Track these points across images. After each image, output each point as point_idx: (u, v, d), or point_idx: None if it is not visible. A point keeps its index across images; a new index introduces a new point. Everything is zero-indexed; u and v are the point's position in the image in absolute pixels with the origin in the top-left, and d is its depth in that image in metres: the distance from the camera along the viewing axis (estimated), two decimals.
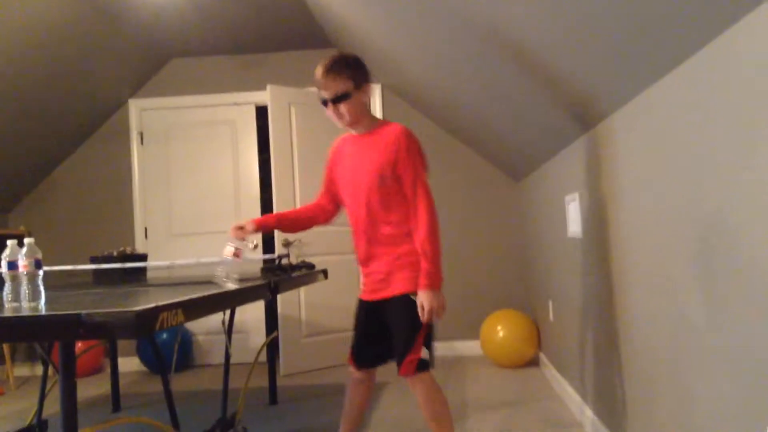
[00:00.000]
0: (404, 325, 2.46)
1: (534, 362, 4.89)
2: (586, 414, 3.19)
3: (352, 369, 2.67)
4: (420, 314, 2.41)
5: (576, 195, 3.15)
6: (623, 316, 2.48)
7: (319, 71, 2.48)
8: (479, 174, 5.49)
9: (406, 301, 2.45)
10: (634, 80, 2.02)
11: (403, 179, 2.47)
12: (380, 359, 2.61)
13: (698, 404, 1.79)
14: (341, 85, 2.45)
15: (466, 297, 5.45)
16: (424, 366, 2.44)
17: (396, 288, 2.48)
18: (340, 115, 2.50)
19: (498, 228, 5.48)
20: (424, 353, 2.44)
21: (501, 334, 4.72)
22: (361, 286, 2.65)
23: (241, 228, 2.67)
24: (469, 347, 5.39)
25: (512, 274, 5.45)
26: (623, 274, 2.44)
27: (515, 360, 4.74)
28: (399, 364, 2.46)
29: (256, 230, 2.68)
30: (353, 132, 2.60)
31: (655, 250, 2.06)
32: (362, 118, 2.55)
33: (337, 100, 2.46)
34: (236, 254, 2.62)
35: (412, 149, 2.47)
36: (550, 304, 4.16)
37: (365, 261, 2.59)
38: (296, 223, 2.79)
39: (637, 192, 2.20)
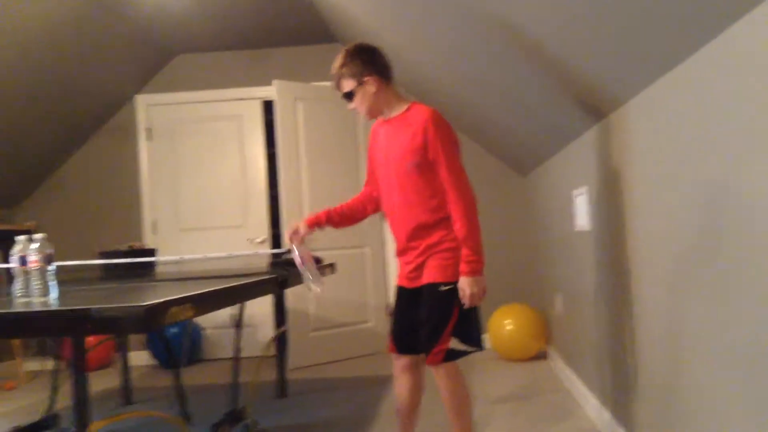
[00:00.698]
0: (432, 315, 2.46)
1: (542, 356, 4.89)
2: (595, 407, 3.20)
3: (394, 356, 2.64)
4: (462, 300, 2.42)
5: (584, 188, 3.15)
6: (631, 309, 2.48)
7: (331, 74, 2.56)
8: (486, 169, 5.49)
9: (435, 291, 2.45)
10: (644, 70, 2.01)
11: (435, 164, 2.44)
12: (417, 346, 2.57)
13: (706, 397, 1.79)
14: (345, 84, 2.52)
15: None
16: (451, 356, 2.44)
17: (427, 277, 2.48)
18: (356, 109, 2.57)
19: (505, 222, 5.47)
20: (452, 343, 2.44)
21: (509, 327, 4.72)
22: (398, 272, 2.65)
23: (296, 232, 2.68)
24: None
25: (520, 268, 5.44)
26: (632, 267, 2.43)
27: (523, 353, 4.74)
28: (426, 354, 2.46)
29: (310, 230, 2.69)
30: (385, 117, 2.60)
31: (665, 243, 2.05)
32: (379, 106, 2.55)
33: (347, 97, 2.55)
34: (304, 259, 2.62)
35: (440, 132, 2.44)
36: (558, 297, 4.16)
37: (402, 251, 2.59)
38: (347, 216, 2.76)
39: (647, 184, 2.19)
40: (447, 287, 2.45)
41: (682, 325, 1.93)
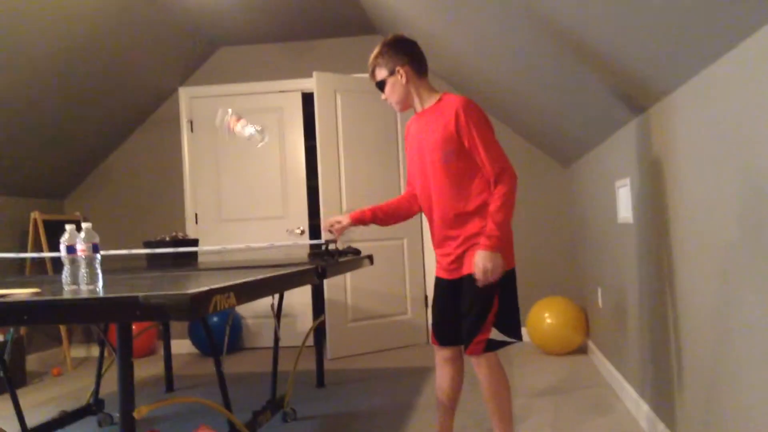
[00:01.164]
0: (474, 306, 2.46)
1: (582, 350, 4.84)
2: (637, 402, 3.15)
3: (435, 348, 2.65)
4: (476, 274, 2.38)
5: (627, 180, 3.10)
6: (676, 303, 2.44)
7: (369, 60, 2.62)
8: (527, 160, 5.44)
9: (473, 282, 2.44)
10: (691, 59, 1.97)
11: (471, 149, 2.44)
12: (459, 337, 2.56)
13: (753, 395, 1.75)
14: (378, 74, 2.59)
15: None
16: (491, 347, 2.45)
17: (468, 268, 2.47)
18: (388, 99, 2.62)
19: (546, 214, 5.42)
20: (493, 334, 2.45)
21: (549, 321, 4.68)
22: (437, 263, 2.65)
23: (338, 222, 2.74)
24: None
25: (560, 261, 5.39)
26: (676, 260, 2.39)
27: (563, 347, 4.70)
28: (467, 344, 2.47)
29: (352, 224, 2.73)
30: (416, 110, 2.63)
31: (711, 236, 2.01)
32: (409, 98, 2.59)
33: (379, 87, 2.61)
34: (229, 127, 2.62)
35: (472, 117, 2.43)
36: (599, 290, 4.11)
37: (440, 243, 2.58)
38: (391, 215, 2.76)
39: (693, 176, 2.15)
40: None
41: (730, 320, 1.89)
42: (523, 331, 5.22)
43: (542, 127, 4.57)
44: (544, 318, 4.71)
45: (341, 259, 3.50)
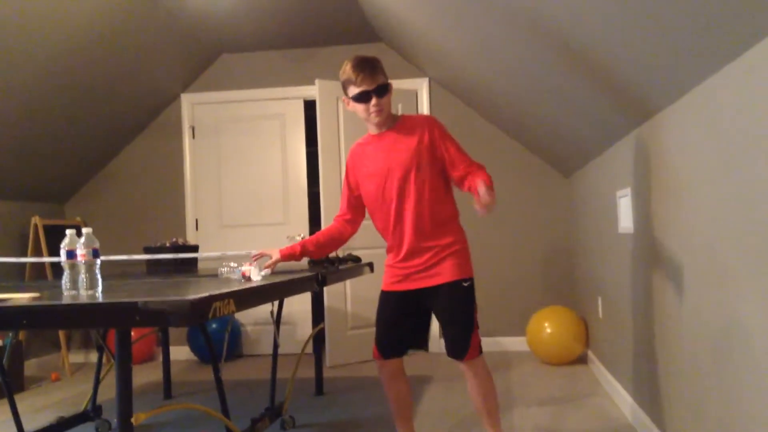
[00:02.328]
0: (462, 311, 2.53)
1: (582, 360, 4.83)
2: (635, 411, 3.14)
3: (379, 363, 2.68)
4: (479, 204, 2.36)
5: (628, 190, 3.10)
6: (676, 313, 2.43)
7: (355, 67, 2.49)
8: (528, 169, 5.44)
9: (460, 288, 2.52)
10: (691, 72, 1.97)
11: (445, 159, 2.54)
12: (405, 346, 2.68)
13: (749, 407, 1.74)
14: (382, 78, 2.55)
15: (513, 293, 5.41)
16: (481, 349, 2.57)
17: (446, 276, 2.52)
18: (380, 107, 2.52)
19: (546, 223, 5.42)
20: (479, 336, 2.55)
21: (548, 330, 4.67)
22: (389, 278, 2.64)
23: (268, 256, 2.74)
24: (515, 343, 5.35)
25: (560, 271, 5.39)
26: (677, 270, 2.39)
27: (563, 357, 4.69)
28: (464, 350, 2.51)
29: (281, 260, 2.73)
30: (374, 131, 2.61)
31: (710, 247, 2.01)
32: (389, 114, 2.62)
33: (380, 90, 2.52)
34: (247, 277, 2.58)
35: (445, 132, 2.57)
36: (600, 300, 4.11)
37: (409, 256, 2.57)
38: (323, 245, 2.78)
39: (693, 186, 2.15)
40: (468, 283, 2.55)
41: (730, 331, 1.89)
42: (522, 340, 5.22)
43: (543, 136, 4.57)
44: (544, 328, 4.70)
45: (341, 267, 3.50)
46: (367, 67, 2.50)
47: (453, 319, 2.54)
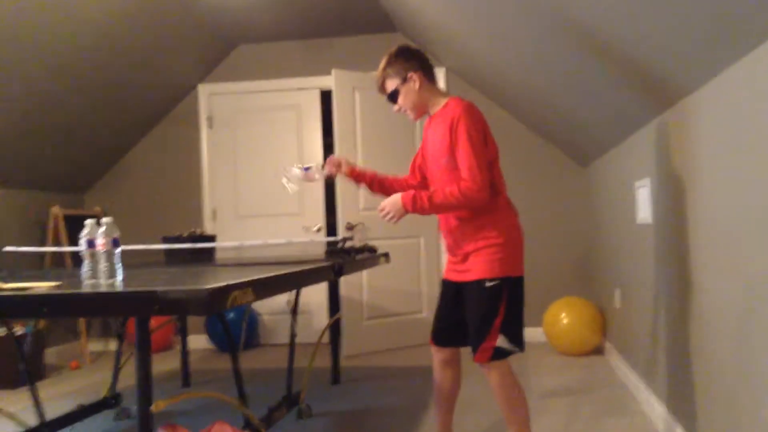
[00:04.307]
0: (479, 312, 2.44)
1: (599, 350, 4.81)
2: (653, 404, 3.13)
3: (433, 349, 2.66)
4: (379, 210, 2.47)
5: (647, 180, 3.07)
6: (695, 305, 2.42)
7: (376, 75, 2.61)
8: (545, 159, 5.41)
9: (481, 288, 2.43)
10: (714, 58, 1.95)
11: (455, 152, 2.45)
12: (459, 338, 2.58)
13: None
14: (389, 84, 2.58)
15: (530, 283, 5.33)
16: (499, 354, 2.41)
17: (473, 273, 2.46)
18: (402, 110, 2.60)
19: (563, 214, 5.39)
20: (500, 341, 2.41)
21: (565, 321, 4.66)
22: (446, 266, 2.66)
23: (337, 165, 2.77)
24: (532, 334, 5.32)
25: (577, 261, 5.36)
26: (696, 262, 2.37)
27: (579, 348, 4.68)
28: (474, 351, 2.45)
29: (347, 176, 2.77)
30: (429, 114, 2.64)
31: (731, 238, 1.99)
32: (423, 103, 2.59)
33: (390, 98, 2.59)
34: (309, 177, 2.64)
35: (463, 127, 2.41)
36: (617, 291, 4.09)
37: (448, 246, 2.61)
38: (386, 189, 2.77)
39: (714, 177, 2.13)
40: (493, 283, 2.42)
41: (751, 323, 1.87)
42: (539, 330, 5.21)
43: (561, 126, 4.54)
44: (560, 318, 4.68)
45: (358, 257, 3.50)
46: (380, 78, 2.60)
47: (470, 318, 2.48)
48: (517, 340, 2.46)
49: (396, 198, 2.44)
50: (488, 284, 2.42)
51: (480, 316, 2.44)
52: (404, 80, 2.55)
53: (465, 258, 2.51)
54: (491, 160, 2.49)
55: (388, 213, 2.45)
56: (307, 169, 2.68)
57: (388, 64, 2.57)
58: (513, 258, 2.47)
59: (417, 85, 2.55)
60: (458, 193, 2.37)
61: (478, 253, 2.46)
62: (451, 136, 2.43)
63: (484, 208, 2.45)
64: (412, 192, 2.43)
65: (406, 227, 5.21)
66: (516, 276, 2.47)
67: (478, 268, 2.45)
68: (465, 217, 2.49)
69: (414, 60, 2.57)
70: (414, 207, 2.42)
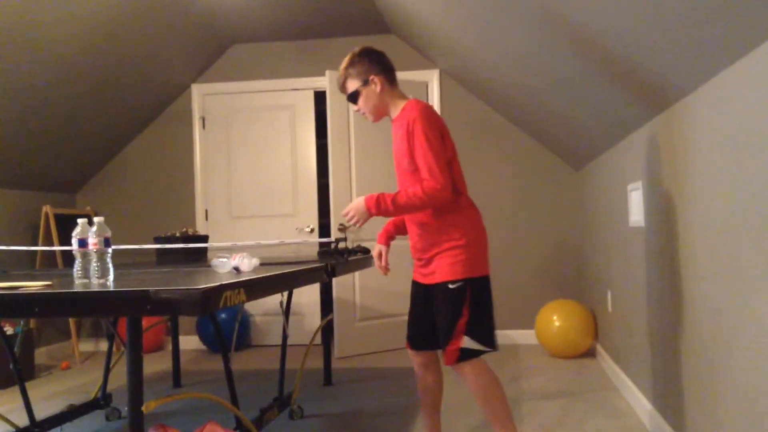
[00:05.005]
0: (444, 315, 2.45)
1: (590, 353, 4.82)
2: (643, 405, 3.14)
3: (411, 353, 2.65)
4: (344, 212, 2.46)
5: (639, 183, 3.08)
6: (687, 308, 2.42)
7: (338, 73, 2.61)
8: (538, 161, 5.42)
9: (445, 290, 2.44)
10: (706, 63, 1.95)
11: (413, 153, 2.44)
12: (435, 342, 2.55)
13: (764, 400, 1.74)
14: (350, 84, 2.56)
15: (522, 286, 5.40)
16: (466, 355, 2.41)
17: (438, 276, 2.47)
18: (362, 111, 2.60)
19: (556, 216, 5.41)
20: (465, 342, 2.40)
21: (557, 323, 4.67)
22: (414, 268, 2.65)
23: (380, 256, 2.76)
24: (524, 336, 5.35)
25: (569, 264, 5.37)
26: (688, 264, 2.38)
27: (571, 350, 4.69)
28: (443, 354, 2.46)
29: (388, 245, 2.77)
30: (391, 117, 2.63)
31: (725, 242, 2.00)
32: (384, 107, 2.58)
33: (350, 99, 2.59)
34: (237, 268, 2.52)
35: (419, 129, 2.40)
36: (609, 294, 4.10)
37: (415, 250, 2.59)
38: (402, 226, 2.76)
39: (707, 180, 2.14)
40: (456, 285, 2.42)
41: (741, 326, 1.88)
42: (531, 333, 5.22)
43: (554, 129, 4.56)
44: (552, 321, 4.69)
45: (350, 258, 3.50)
46: (341, 77, 2.58)
47: (438, 321, 2.49)
48: (486, 340, 2.43)
49: (359, 201, 2.43)
50: (451, 286, 2.42)
51: (447, 317, 2.43)
52: (365, 83, 2.54)
53: (429, 261, 2.51)
54: (449, 159, 2.47)
55: (352, 217, 2.44)
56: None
57: (351, 64, 2.55)
58: (476, 258, 2.47)
59: (378, 88, 2.54)
60: (421, 193, 2.35)
61: (442, 255, 2.46)
62: (409, 139, 2.43)
63: (446, 209, 2.45)
64: (375, 194, 2.42)
65: None
66: (479, 276, 2.47)
67: (442, 270, 2.45)
68: (427, 220, 2.49)
69: (376, 63, 2.55)
70: (378, 209, 2.40)
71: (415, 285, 2.64)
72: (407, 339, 2.66)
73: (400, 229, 2.75)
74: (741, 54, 1.75)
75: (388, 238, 2.75)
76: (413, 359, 2.66)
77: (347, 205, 4.98)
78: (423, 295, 2.58)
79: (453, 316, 2.42)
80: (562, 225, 5.40)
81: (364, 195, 2.45)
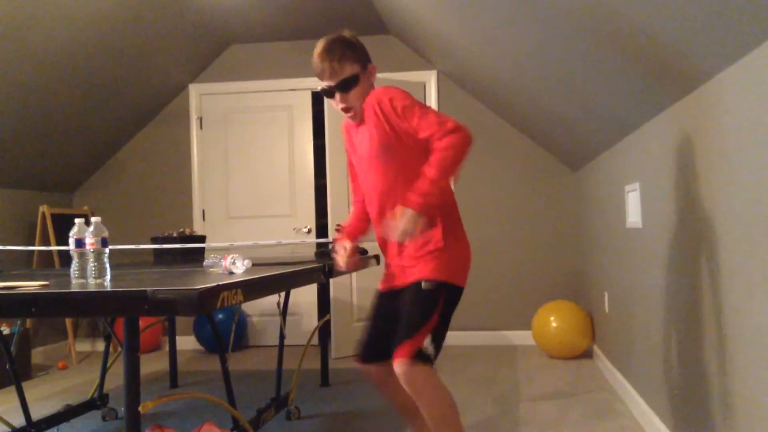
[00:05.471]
0: (412, 312, 2.21)
1: (587, 354, 4.83)
2: (641, 407, 3.14)
3: (365, 369, 2.39)
4: (392, 233, 2.14)
5: (637, 184, 3.09)
6: (684, 308, 2.43)
7: (318, 56, 2.22)
8: (536, 162, 5.43)
9: (418, 289, 2.22)
10: (706, 63, 1.96)
11: (404, 130, 2.15)
12: (389, 352, 2.24)
13: (763, 400, 1.74)
14: (349, 68, 2.21)
15: (519, 287, 5.40)
16: (422, 357, 2.14)
17: (414, 275, 2.25)
18: (349, 104, 2.24)
19: (553, 217, 5.41)
20: (426, 343, 2.16)
21: (554, 324, 4.67)
22: (384, 275, 2.46)
23: (343, 248, 2.47)
24: (521, 337, 5.35)
25: (566, 265, 5.38)
26: (686, 265, 2.38)
27: (568, 351, 4.69)
28: (395, 347, 2.15)
29: (355, 245, 2.50)
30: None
31: (720, 241, 2.00)
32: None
33: (345, 86, 2.23)
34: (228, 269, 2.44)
35: (390, 102, 2.15)
36: (606, 295, 4.10)
37: (386, 248, 2.39)
38: (364, 230, 2.56)
39: (705, 181, 2.14)
40: (428, 284, 2.20)
41: (743, 328, 1.88)
42: (528, 334, 5.22)
43: (552, 130, 4.56)
44: (549, 322, 4.69)
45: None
46: (335, 56, 2.19)
47: (401, 317, 2.23)
48: (438, 351, 2.22)
49: (402, 213, 2.09)
50: (426, 285, 2.21)
51: (415, 315, 2.19)
52: (365, 69, 2.25)
53: (405, 259, 2.30)
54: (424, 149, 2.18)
55: (406, 235, 2.10)
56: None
57: (348, 47, 2.22)
58: (458, 265, 2.27)
59: (373, 79, 2.27)
60: (444, 150, 2.06)
61: (428, 256, 2.24)
62: (380, 120, 2.16)
63: (435, 219, 2.22)
64: (409, 195, 2.11)
65: None
66: (456, 284, 2.26)
67: (420, 269, 2.24)
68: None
69: (366, 53, 2.29)
70: (424, 199, 2.08)
71: (381, 296, 2.41)
72: (360, 354, 2.38)
73: (360, 232, 2.54)
74: (738, 57, 1.75)
75: (358, 238, 2.52)
76: (370, 376, 2.40)
77: (345, 205, 4.99)
78: (389, 301, 2.35)
79: (423, 315, 2.18)
80: (559, 226, 5.40)
81: (408, 208, 2.09)
